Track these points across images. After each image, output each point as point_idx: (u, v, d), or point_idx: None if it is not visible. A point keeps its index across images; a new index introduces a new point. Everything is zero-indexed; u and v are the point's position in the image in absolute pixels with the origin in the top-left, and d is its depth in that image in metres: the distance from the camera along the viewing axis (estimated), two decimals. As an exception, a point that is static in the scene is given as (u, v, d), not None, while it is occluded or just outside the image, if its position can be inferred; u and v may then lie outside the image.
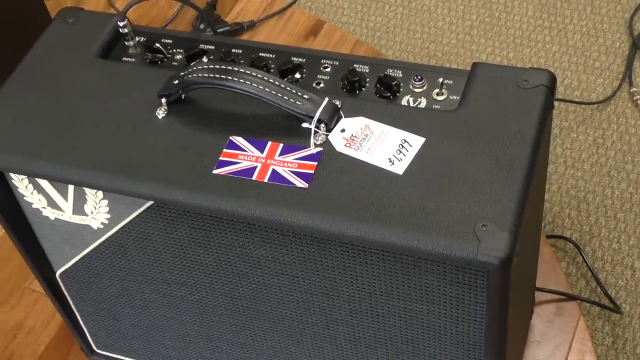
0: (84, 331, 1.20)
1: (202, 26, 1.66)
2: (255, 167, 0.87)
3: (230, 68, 0.88)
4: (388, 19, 1.88)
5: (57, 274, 1.10)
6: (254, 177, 0.86)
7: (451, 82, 0.93)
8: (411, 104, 0.92)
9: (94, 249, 1.03)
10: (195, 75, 0.90)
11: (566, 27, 1.83)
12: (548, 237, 1.46)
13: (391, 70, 0.95)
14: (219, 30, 1.65)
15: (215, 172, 0.87)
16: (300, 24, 1.71)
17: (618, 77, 1.72)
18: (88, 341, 1.22)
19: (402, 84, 0.93)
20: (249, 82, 0.88)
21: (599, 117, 1.66)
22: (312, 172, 0.85)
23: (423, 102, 0.92)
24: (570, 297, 1.28)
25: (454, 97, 0.92)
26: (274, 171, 0.86)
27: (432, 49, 1.81)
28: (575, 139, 1.63)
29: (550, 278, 1.30)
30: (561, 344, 1.23)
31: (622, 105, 1.68)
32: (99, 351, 1.23)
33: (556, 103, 1.69)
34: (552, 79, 0.91)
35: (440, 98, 0.92)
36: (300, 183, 0.85)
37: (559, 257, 1.46)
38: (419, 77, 0.93)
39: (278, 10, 1.72)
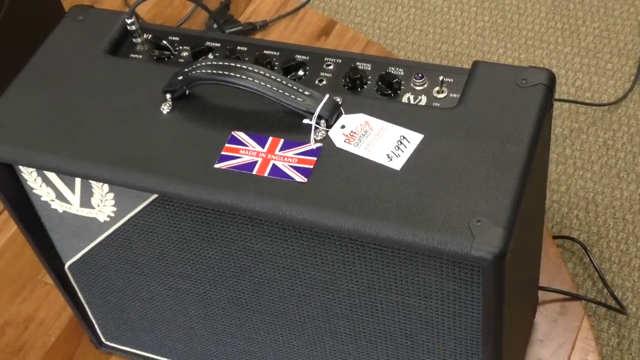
0: (92, 323, 1.22)
1: (215, 26, 1.68)
2: (255, 162, 0.88)
3: (232, 65, 0.90)
4: (400, 19, 1.89)
5: (66, 266, 1.12)
6: (254, 172, 0.88)
7: (452, 80, 0.94)
8: (411, 101, 0.93)
9: (101, 242, 1.05)
10: (199, 71, 0.91)
11: (579, 28, 1.83)
12: (555, 237, 1.47)
13: (393, 68, 0.96)
14: (232, 30, 1.67)
15: (216, 166, 0.89)
16: (313, 24, 1.72)
17: (630, 79, 1.73)
18: (97, 333, 1.24)
19: (403, 82, 0.95)
20: (251, 79, 0.89)
21: (610, 118, 1.67)
22: (312, 167, 0.87)
23: (423, 100, 0.93)
24: (574, 297, 1.29)
25: (454, 95, 0.93)
26: (274, 166, 0.88)
27: (443, 50, 1.82)
28: (585, 140, 1.64)
29: (556, 278, 1.31)
30: (564, 343, 1.23)
31: (633, 107, 1.68)
32: (108, 343, 1.25)
33: (567, 104, 1.70)
34: (551, 78, 0.92)
35: (441, 96, 0.93)
36: (299, 178, 0.86)
37: (566, 257, 1.46)
38: (420, 75, 0.94)
39: (291, 11, 1.74)
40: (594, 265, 1.43)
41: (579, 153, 1.62)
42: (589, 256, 1.44)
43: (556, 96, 1.70)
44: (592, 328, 1.28)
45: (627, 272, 1.45)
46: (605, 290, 1.41)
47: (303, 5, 1.75)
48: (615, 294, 1.40)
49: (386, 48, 1.81)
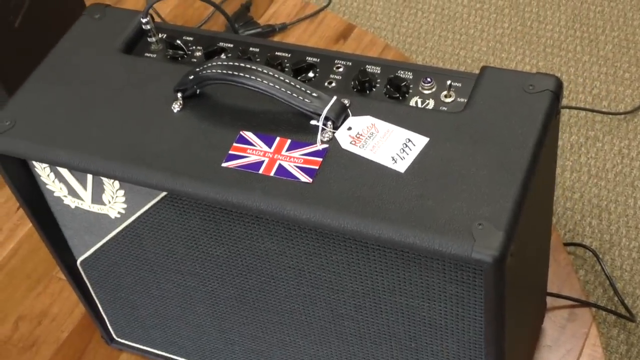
0: (104, 319, 1.24)
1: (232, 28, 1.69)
2: (262, 162, 0.89)
3: (242, 65, 0.91)
4: (420, 25, 1.90)
5: (78, 262, 1.14)
6: (260, 171, 0.89)
7: (460, 84, 0.95)
8: (419, 105, 0.94)
9: (112, 238, 1.06)
10: (209, 71, 0.93)
11: (598, 37, 1.83)
12: (567, 244, 1.47)
13: (402, 72, 0.97)
14: (250, 32, 1.68)
15: (224, 165, 0.90)
16: (332, 27, 1.73)
17: (647, 89, 1.73)
18: (108, 329, 1.26)
19: (411, 86, 0.96)
20: (260, 79, 0.91)
21: (626, 127, 1.67)
22: (317, 167, 0.88)
23: (431, 104, 0.94)
24: (583, 304, 1.29)
25: (461, 100, 0.93)
26: (280, 166, 0.89)
27: (462, 56, 1.82)
28: (600, 148, 1.64)
29: (565, 284, 1.31)
30: (572, 349, 1.23)
31: (649, 117, 1.68)
32: (119, 339, 1.27)
33: (583, 113, 1.70)
34: (558, 85, 0.92)
35: (448, 100, 0.94)
36: (304, 178, 0.87)
37: (578, 265, 1.46)
38: (428, 79, 0.95)
39: (310, 14, 1.75)
40: (605, 273, 1.43)
41: (593, 161, 1.62)
42: (600, 264, 1.44)
43: (573, 104, 1.71)
44: (601, 335, 1.28)
45: (638, 281, 1.44)
46: (616, 298, 1.41)
47: (323, 9, 1.77)
48: (626, 302, 1.39)
49: (404, 53, 1.82)
